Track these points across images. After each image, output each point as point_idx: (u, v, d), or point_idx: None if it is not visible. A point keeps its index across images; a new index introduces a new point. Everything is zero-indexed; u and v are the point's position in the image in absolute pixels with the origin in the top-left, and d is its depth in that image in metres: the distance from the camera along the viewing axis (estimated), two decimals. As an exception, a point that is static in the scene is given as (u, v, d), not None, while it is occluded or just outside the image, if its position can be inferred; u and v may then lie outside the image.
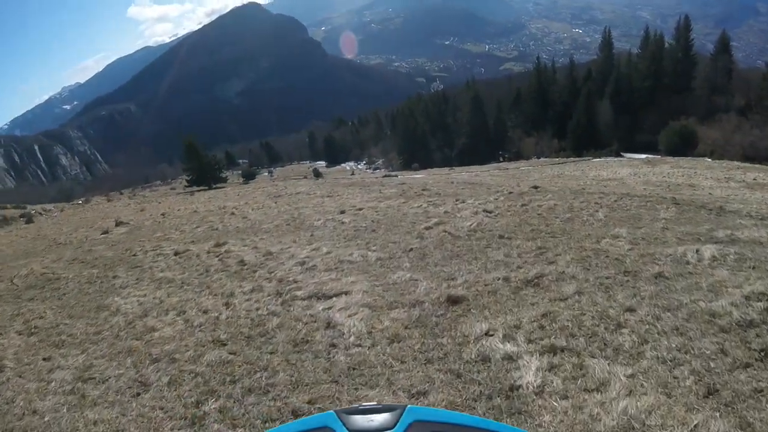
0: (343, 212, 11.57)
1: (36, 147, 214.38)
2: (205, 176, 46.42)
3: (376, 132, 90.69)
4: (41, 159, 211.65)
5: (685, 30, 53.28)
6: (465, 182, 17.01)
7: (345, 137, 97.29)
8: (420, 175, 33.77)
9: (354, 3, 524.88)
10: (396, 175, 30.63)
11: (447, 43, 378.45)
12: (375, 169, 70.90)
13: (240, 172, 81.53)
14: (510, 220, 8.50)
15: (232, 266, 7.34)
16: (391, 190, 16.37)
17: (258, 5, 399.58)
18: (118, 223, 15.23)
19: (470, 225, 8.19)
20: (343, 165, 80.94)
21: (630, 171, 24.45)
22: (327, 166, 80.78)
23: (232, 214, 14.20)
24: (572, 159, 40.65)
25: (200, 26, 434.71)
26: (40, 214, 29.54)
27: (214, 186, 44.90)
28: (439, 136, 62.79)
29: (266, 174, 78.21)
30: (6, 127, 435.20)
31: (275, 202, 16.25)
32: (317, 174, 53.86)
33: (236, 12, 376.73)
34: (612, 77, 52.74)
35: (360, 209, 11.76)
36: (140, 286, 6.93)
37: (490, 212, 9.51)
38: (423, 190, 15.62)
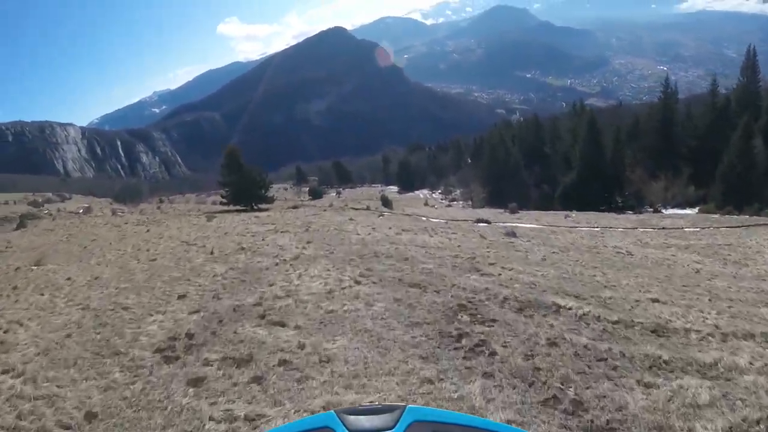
0: None
1: (118, 142, 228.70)
2: (245, 194, 38.22)
3: (454, 160, 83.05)
4: (122, 154, 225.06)
5: None
6: None
7: (420, 163, 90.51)
8: (530, 225, 23.66)
9: (437, 32, 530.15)
10: (505, 228, 18.97)
11: (528, 75, 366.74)
12: (452, 200, 62.74)
13: (308, 189, 78.38)
14: None
15: None
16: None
17: (344, 30, 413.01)
18: None
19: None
20: (416, 192, 73.75)
21: None
22: (399, 192, 74.17)
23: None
24: (758, 221, 27.84)
25: (287, 47, 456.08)
26: (50, 215, 25.48)
27: (255, 207, 37.39)
28: (537, 169, 53.20)
29: (334, 194, 74.06)
30: (96, 121, 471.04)
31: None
32: (385, 202, 45.50)
33: (322, 35, 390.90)
34: (764, 109, 41.17)
35: None
36: None
37: None
38: None
